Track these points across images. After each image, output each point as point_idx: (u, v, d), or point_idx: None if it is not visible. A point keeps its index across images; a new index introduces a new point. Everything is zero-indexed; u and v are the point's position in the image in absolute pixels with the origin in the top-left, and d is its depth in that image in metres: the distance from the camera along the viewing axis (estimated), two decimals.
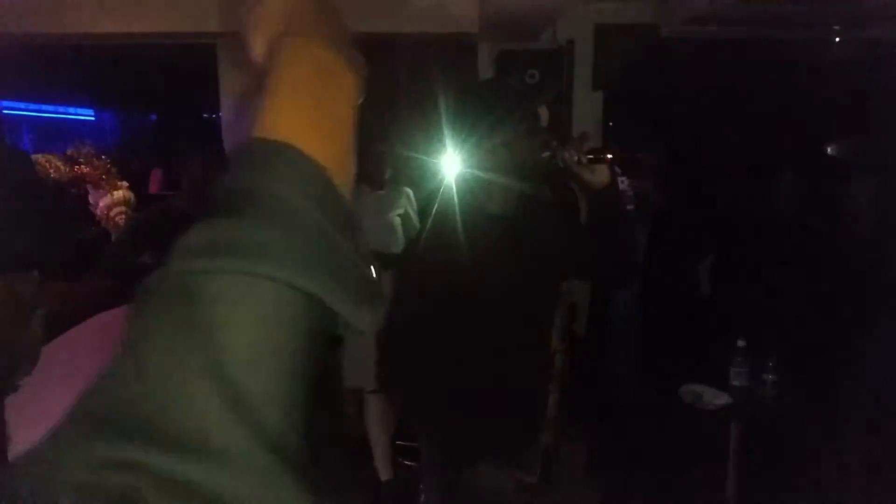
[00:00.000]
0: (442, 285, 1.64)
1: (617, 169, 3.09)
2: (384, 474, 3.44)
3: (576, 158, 1.62)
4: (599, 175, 1.65)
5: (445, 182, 3.26)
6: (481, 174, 1.70)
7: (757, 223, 3.16)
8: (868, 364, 2.47)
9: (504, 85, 1.80)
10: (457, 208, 1.71)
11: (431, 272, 1.68)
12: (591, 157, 1.62)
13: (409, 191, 3.55)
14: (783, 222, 3.08)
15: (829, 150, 3.98)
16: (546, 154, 1.64)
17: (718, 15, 3.49)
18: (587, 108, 4.25)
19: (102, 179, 3.47)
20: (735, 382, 2.64)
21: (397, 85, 4.14)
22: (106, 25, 3.85)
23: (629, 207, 3.19)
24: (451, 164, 3.62)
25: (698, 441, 2.88)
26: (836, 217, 3.12)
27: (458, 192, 1.76)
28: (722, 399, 2.60)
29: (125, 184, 3.50)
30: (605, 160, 1.63)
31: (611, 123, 4.39)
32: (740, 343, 2.65)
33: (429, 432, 1.75)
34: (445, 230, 1.69)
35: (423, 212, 3.39)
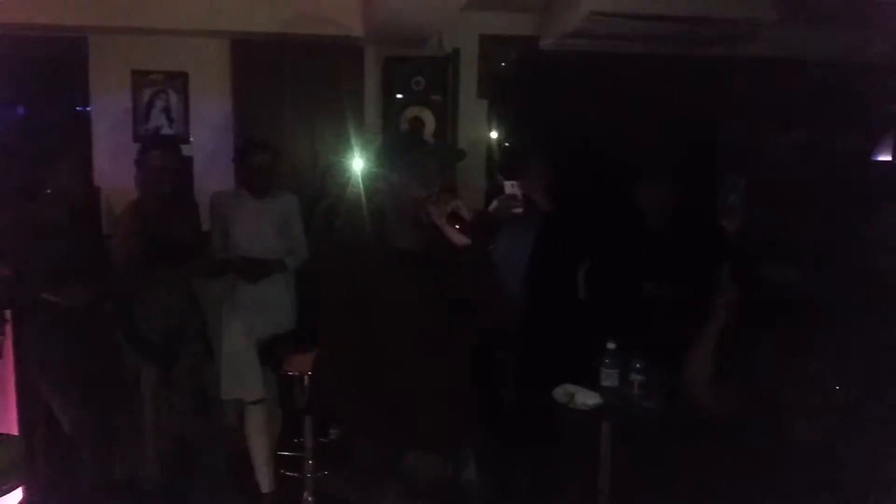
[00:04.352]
0: (369, 313, 1.83)
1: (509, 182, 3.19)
2: (265, 486, 3.37)
3: (438, 215, 1.79)
4: (459, 237, 1.79)
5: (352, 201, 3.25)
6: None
7: (628, 230, 3.31)
8: (726, 367, 2.64)
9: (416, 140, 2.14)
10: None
11: (356, 302, 1.84)
12: (448, 217, 1.78)
13: (295, 198, 3.49)
14: (652, 229, 3.24)
15: (701, 160, 4.21)
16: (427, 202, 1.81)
17: (591, 31, 3.65)
18: (472, 116, 4.33)
19: None
20: (605, 383, 2.75)
21: (280, 89, 4.06)
22: None
23: (517, 211, 3.29)
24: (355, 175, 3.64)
25: (574, 440, 2.99)
26: (703, 225, 3.31)
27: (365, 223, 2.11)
28: (593, 399, 2.70)
29: None
30: (455, 227, 1.78)
31: (494, 132, 4.49)
32: (610, 345, 2.77)
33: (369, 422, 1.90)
34: (360, 259, 1.91)
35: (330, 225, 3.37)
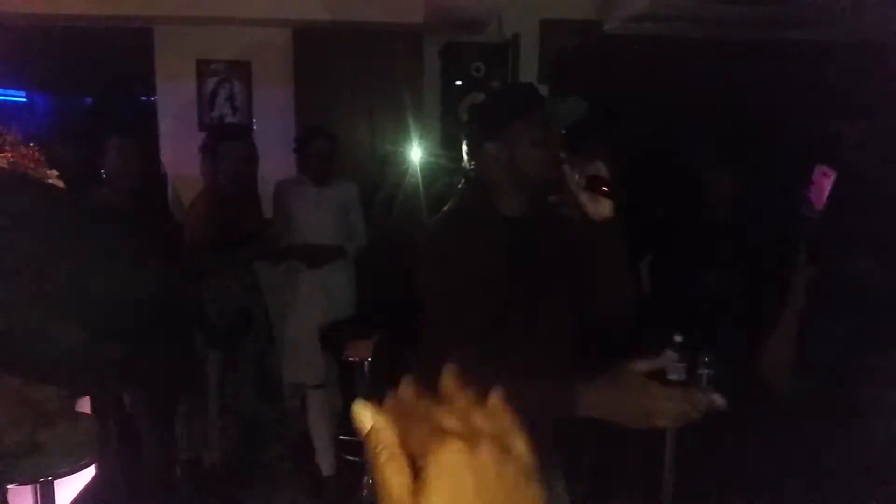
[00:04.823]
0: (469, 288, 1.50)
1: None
2: (327, 469, 3.42)
3: (576, 177, 1.47)
4: (600, 206, 1.48)
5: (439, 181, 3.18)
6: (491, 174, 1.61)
7: (693, 220, 3.22)
8: (800, 362, 2.56)
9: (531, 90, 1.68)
10: (466, 209, 1.65)
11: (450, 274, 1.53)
12: (588, 180, 1.46)
13: (355, 186, 3.51)
14: (719, 222, 3.15)
15: (772, 148, 4.08)
16: (558, 164, 1.50)
17: (658, 13, 3.55)
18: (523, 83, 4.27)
19: (30, 169, 3.31)
20: (671, 377, 2.68)
21: (341, 77, 4.07)
22: (42, 6, 3.70)
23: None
24: (416, 156, 3.61)
25: (635, 434, 2.93)
26: (770, 216, 3.20)
27: (462, 193, 1.72)
28: None
29: (55, 173, 3.33)
30: (598, 189, 1.46)
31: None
32: (677, 338, 2.69)
33: None
34: (456, 231, 1.59)
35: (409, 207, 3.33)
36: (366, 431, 0.50)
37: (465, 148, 3.35)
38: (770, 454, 2.82)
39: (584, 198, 1.48)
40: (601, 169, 1.47)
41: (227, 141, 3.09)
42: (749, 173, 3.35)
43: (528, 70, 4.24)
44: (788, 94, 4.00)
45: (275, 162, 3.91)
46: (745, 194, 3.25)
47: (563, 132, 1.58)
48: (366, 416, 0.51)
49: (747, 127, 4.03)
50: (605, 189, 1.45)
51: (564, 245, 1.60)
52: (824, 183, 2.73)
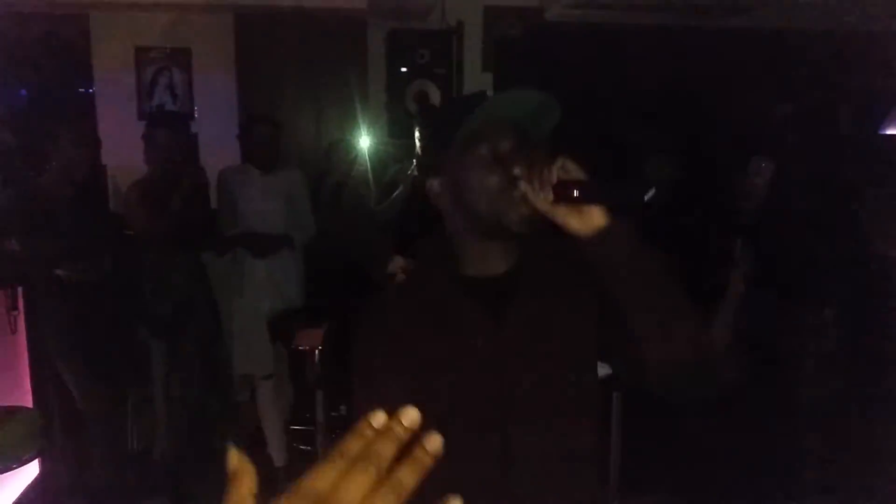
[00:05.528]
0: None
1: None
2: (279, 460, 3.40)
3: (540, 195, 1.01)
4: (585, 217, 1.01)
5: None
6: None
7: (631, 208, 3.30)
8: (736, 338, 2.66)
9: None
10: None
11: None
12: (555, 190, 1.00)
13: (302, 174, 3.49)
14: (659, 205, 3.23)
15: (704, 136, 4.20)
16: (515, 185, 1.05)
17: (598, 0, 3.62)
18: (477, 90, 4.29)
19: None
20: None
21: (285, 64, 4.03)
22: None
23: None
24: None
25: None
26: (708, 201, 3.31)
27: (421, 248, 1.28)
28: (603, 369, 2.71)
29: None
30: (568, 197, 1.00)
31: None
32: None
33: None
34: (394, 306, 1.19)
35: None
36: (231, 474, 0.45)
37: (416, 133, 3.38)
38: (713, 428, 2.94)
39: (561, 217, 1.01)
40: (568, 168, 1.01)
41: (160, 129, 3.05)
42: (688, 158, 3.46)
43: (473, 58, 4.27)
44: (727, 79, 4.12)
45: (218, 150, 3.85)
46: (685, 178, 3.35)
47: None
48: (233, 459, 0.45)
49: (687, 112, 4.14)
50: (577, 193, 0.99)
51: (579, 299, 1.15)
52: (762, 175, 2.86)
